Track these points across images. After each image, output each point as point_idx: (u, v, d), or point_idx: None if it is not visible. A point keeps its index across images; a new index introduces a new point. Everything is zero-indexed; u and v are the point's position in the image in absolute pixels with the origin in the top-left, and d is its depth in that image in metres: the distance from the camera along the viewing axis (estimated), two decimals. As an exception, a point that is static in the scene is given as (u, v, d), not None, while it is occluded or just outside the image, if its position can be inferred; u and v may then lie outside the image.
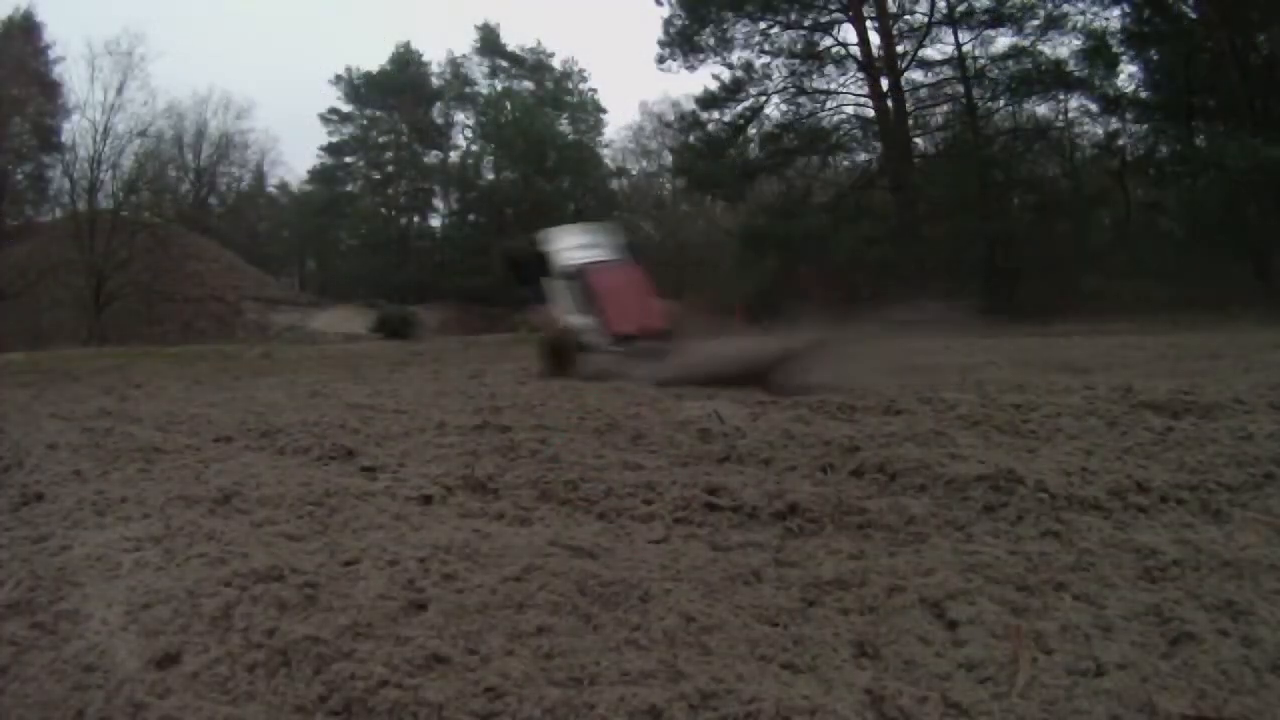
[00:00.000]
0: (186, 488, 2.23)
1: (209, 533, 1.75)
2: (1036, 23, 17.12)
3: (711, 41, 19.25)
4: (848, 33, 19.14)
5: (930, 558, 1.51)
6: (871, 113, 19.24)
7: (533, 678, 1.07)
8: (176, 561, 1.57)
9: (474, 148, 32.28)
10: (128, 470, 2.60)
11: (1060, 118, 18.71)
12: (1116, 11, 16.43)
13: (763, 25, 19.18)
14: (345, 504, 2.02)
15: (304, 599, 1.34)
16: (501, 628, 1.23)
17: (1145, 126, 17.33)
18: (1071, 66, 16.94)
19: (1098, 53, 16.48)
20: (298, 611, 1.29)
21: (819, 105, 19.73)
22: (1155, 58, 16.62)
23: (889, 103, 18.82)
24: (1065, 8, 16.75)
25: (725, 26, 19.22)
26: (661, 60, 19.82)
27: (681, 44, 19.30)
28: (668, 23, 19.42)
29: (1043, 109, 18.87)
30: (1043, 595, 1.31)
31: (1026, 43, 17.35)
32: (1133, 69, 17.34)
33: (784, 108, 19.95)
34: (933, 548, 1.58)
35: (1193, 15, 15.21)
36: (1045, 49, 17.30)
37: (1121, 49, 16.64)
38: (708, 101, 19.80)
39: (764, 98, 19.74)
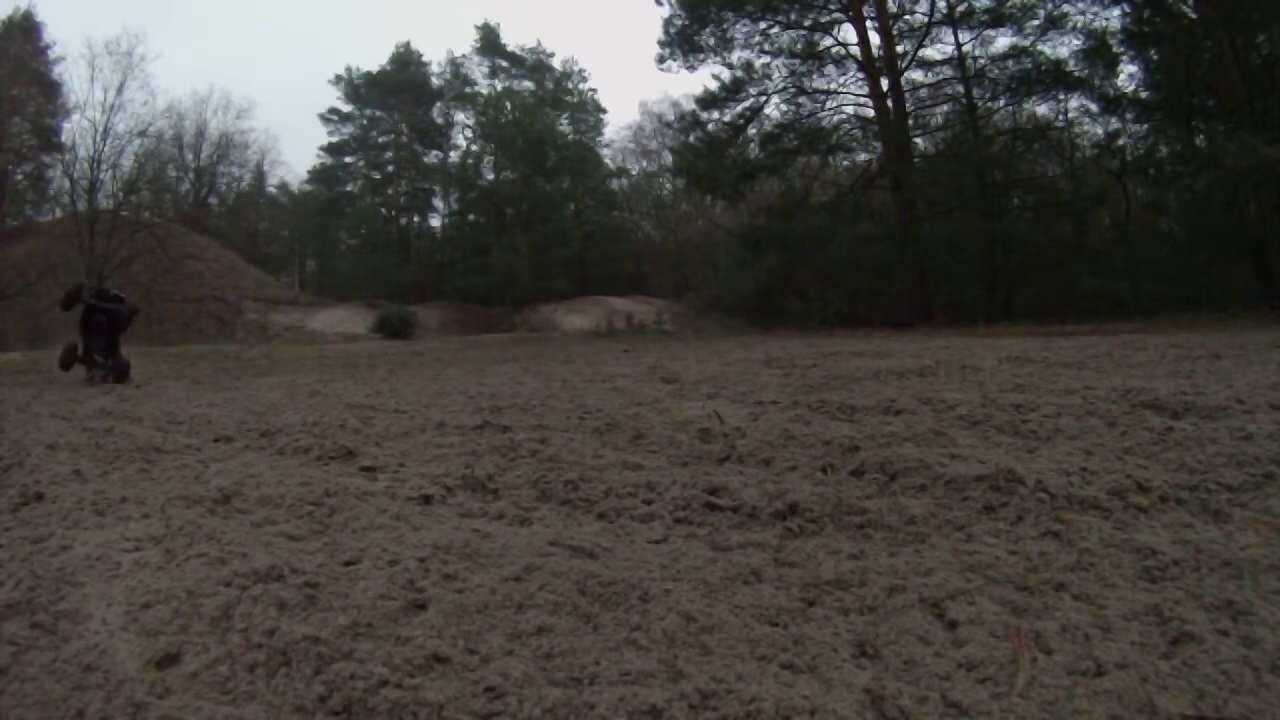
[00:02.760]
0: (187, 488, 2.23)
1: (209, 533, 1.75)
2: (1036, 23, 17.10)
3: (711, 41, 19.21)
4: (848, 33, 19.14)
5: (930, 558, 1.51)
6: (871, 113, 19.23)
7: (533, 678, 1.06)
8: (176, 561, 1.57)
9: (474, 148, 32.23)
10: (128, 470, 2.60)
11: (1060, 118, 18.69)
12: (1116, 11, 16.42)
13: (763, 25, 19.16)
14: (345, 504, 2.01)
15: (304, 599, 1.34)
16: (501, 628, 1.23)
17: (1145, 126, 17.30)
18: (1071, 66, 16.93)
19: (1097, 53, 16.46)
20: (298, 611, 1.29)
21: (819, 105, 19.73)
22: (1155, 58, 16.59)
23: (889, 103, 18.81)
24: (1065, 8, 16.73)
25: (725, 26, 19.19)
26: (661, 60, 19.79)
27: (681, 44, 19.26)
28: (668, 23, 19.38)
29: (1043, 109, 18.88)
30: (1043, 595, 1.31)
31: (1026, 43, 17.34)
32: (1133, 69, 17.33)
33: (784, 108, 19.95)
34: (932, 548, 1.58)
35: (1192, 15, 15.18)
36: (1045, 49, 17.30)
37: (1121, 49, 16.61)
38: (708, 101, 19.76)
39: (764, 98, 19.74)
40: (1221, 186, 12.53)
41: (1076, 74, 16.94)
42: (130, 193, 22.45)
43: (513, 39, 34.05)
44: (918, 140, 19.95)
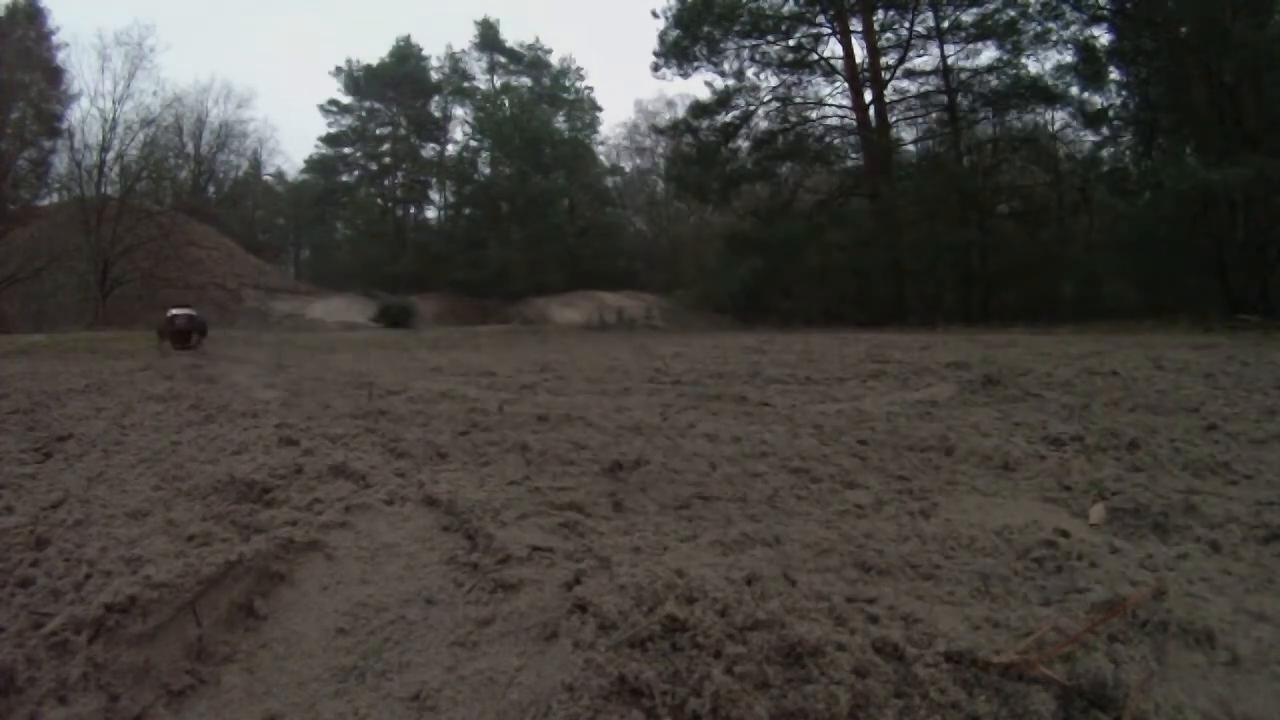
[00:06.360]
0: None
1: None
2: (1018, 39, 17.74)
3: (705, 52, 19.95)
4: (835, 47, 19.98)
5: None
6: (855, 123, 20.07)
7: (639, 550, 1.60)
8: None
9: (471, 142, 32.73)
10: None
11: (1047, 127, 19.22)
12: (1098, 29, 16.99)
13: (749, 43, 19.84)
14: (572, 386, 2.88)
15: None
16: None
17: (1121, 142, 17.89)
18: (1053, 82, 17.60)
19: (1075, 69, 17.14)
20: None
21: (806, 116, 20.57)
22: (1125, 80, 17.30)
23: (871, 113, 19.66)
24: (1049, 24, 17.36)
25: (717, 41, 19.86)
26: (656, 68, 20.56)
27: (676, 55, 20.00)
28: (662, 35, 20.09)
29: (1026, 119, 19.46)
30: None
31: (1009, 58, 18.07)
32: (1112, 84, 17.89)
33: (772, 117, 20.78)
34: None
35: (1151, 43, 15.87)
36: (1028, 63, 18.00)
37: (1094, 66, 17.21)
38: (699, 110, 20.60)
39: (753, 107, 20.54)
40: (1174, 203, 13.03)
41: (1057, 89, 17.63)
42: (134, 180, 22.89)
43: (511, 35, 34.58)
44: (902, 149, 20.74)
